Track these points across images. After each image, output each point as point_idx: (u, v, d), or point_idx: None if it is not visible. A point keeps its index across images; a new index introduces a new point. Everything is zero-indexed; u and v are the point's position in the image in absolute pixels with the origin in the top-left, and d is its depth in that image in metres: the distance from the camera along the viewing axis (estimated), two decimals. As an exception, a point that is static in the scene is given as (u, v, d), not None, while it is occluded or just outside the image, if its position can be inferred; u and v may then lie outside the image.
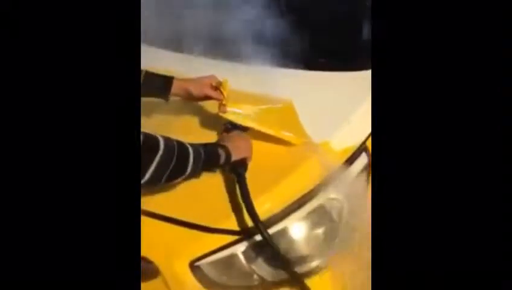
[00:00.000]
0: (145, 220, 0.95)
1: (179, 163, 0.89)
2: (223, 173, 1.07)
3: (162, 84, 1.09)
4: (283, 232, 1.02)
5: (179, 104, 1.20)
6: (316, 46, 1.35)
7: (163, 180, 0.88)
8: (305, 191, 1.03)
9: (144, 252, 0.89)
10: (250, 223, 0.97)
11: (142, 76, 1.07)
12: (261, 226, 0.94)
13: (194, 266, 1.00)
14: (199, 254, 1.00)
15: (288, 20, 1.28)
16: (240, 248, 1.01)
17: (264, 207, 0.99)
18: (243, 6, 1.27)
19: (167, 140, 0.88)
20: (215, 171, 1.06)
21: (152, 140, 0.85)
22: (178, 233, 1.00)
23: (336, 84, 1.27)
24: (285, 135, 1.12)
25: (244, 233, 1.00)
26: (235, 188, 1.01)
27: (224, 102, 1.08)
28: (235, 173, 1.01)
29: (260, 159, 1.08)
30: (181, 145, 0.91)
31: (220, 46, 1.32)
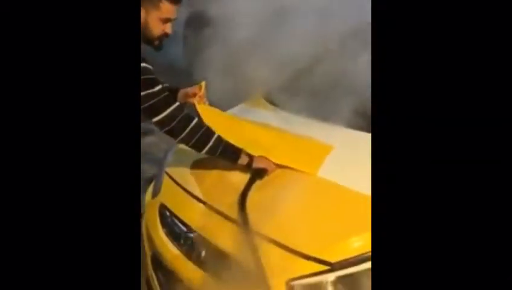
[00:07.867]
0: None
1: (201, 139, 1.39)
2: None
3: (172, 93, 1.61)
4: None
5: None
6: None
7: (189, 145, 1.40)
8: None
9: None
10: (342, 257, 1.14)
11: (164, 94, 1.45)
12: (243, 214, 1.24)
13: (289, 285, 1.17)
14: (296, 275, 1.17)
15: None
16: (330, 278, 1.15)
17: (354, 245, 1.15)
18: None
19: (200, 120, 1.41)
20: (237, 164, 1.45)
21: (189, 116, 1.38)
22: (281, 254, 1.21)
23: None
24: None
25: (336, 265, 1.14)
26: (333, 225, 1.21)
27: (200, 94, 1.58)
28: (252, 174, 1.40)
29: (353, 204, 1.25)
30: (208, 129, 1.41)
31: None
